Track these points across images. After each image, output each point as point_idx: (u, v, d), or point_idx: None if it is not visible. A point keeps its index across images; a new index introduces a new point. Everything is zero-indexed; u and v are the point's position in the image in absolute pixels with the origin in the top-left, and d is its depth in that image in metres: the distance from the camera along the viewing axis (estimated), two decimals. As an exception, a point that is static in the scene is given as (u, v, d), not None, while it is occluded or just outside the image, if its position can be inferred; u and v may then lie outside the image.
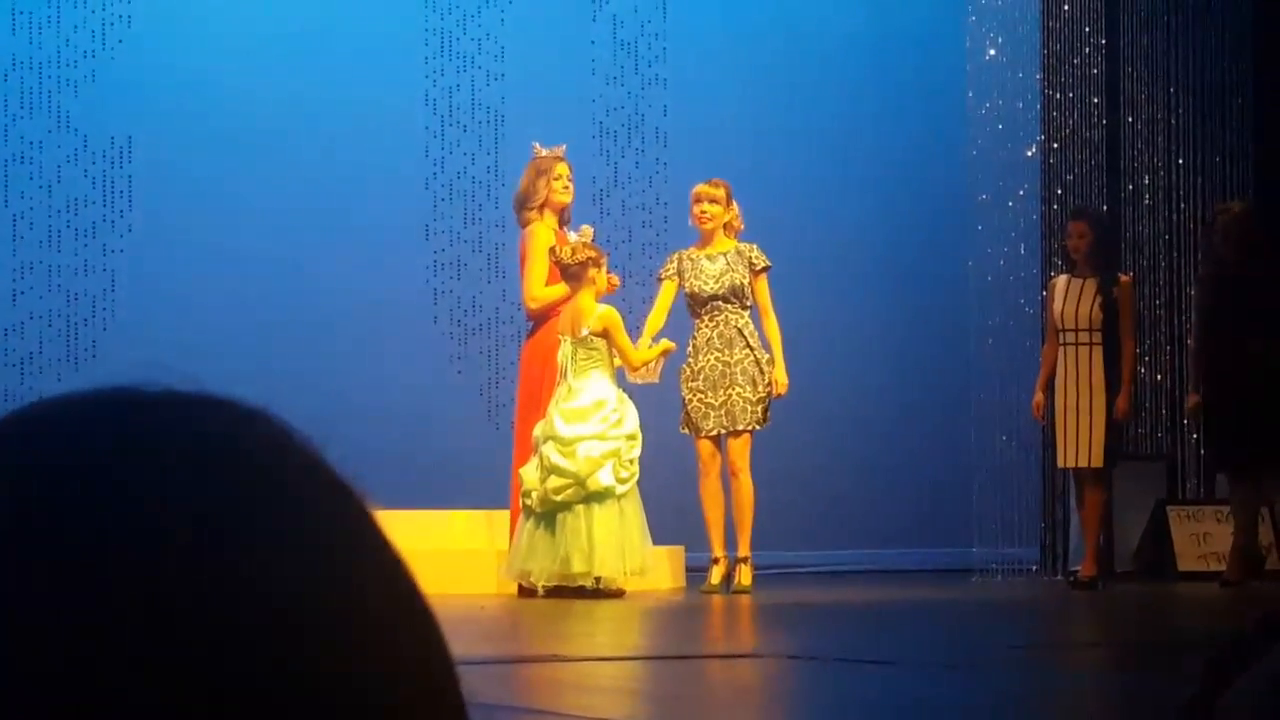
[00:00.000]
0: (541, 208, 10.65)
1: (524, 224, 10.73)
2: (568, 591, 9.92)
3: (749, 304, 10.58)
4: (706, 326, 10.54)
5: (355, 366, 12.30)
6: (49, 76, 12.16)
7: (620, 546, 10.01)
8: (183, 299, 12.07)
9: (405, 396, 12.36)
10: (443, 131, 12.81)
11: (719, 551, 10.53)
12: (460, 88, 12.85)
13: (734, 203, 10.73)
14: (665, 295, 10.71)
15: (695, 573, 11.03)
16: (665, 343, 10.33)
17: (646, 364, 10.27)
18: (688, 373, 10.55)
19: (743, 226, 10.74)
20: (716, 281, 10.52)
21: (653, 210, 13.03)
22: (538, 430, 10.21)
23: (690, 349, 10.57)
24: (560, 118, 12.01)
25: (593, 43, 13.09)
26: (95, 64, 12.20)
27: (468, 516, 11.05)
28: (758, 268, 10.56)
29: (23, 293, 12.09)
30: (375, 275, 12.44)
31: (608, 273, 10.39)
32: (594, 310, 10.21)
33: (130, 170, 12.23)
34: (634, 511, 10.13)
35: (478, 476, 11.52)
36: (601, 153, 12.87)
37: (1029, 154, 13.03)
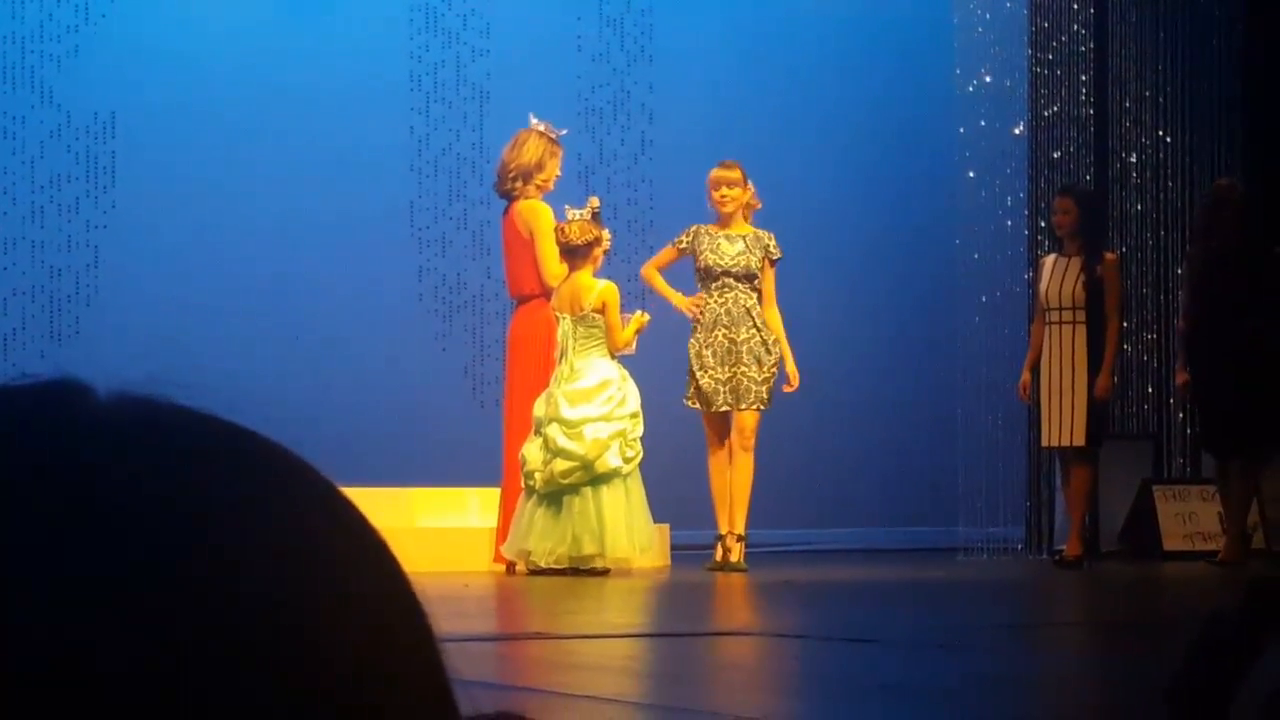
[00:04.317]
0: (539, 187, 10.53)
1: (522, 196, 10.53)
2: (553, 569, 9.88)
3: (758, 288, 10.56)
4: (716, 302, 10.51)
5: (339, 343, 12.26)
6: (32, 51, 12.09)
7: (629, 526, 9.98)
8: (165, 276, 12.02)
9: (389, 374, 12.33)
10: (427, 108, 12.76)
11: (725, 528, 10.51)
12: (445, 64, 12.80)
13: (749, 183, 10.67)
14: (664, 255, 10.69)
15: (681, 550, 11.01)
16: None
17: (629, 342, 10.24)
18: (696, 347, 10.52)
19: (760, 205, 10.69)
20: (733, 260, 10.50)
21: (638, 188, 13.00)
22: (539, 410, 10.09)
23: (699, 324, 10.52)
24: (546, 94, 11.95)
25: (578, 19, 13.04)
26: (78, 39, 12.13)
27: (453, 494, 11.01)
28: (773, 257, 10.55)
29: (5, 269, 12.03)
30: (359, 252, 12.39)
31: (639, 313, 10.30)
32: (594, 287, 10.13)
33: (113, 146, 12.17)
34: (637, 489, 10.10)
35: (463, 454, 11.50)
36: (587, 129, 12.82)
37: (1016, 132, 13.00)
